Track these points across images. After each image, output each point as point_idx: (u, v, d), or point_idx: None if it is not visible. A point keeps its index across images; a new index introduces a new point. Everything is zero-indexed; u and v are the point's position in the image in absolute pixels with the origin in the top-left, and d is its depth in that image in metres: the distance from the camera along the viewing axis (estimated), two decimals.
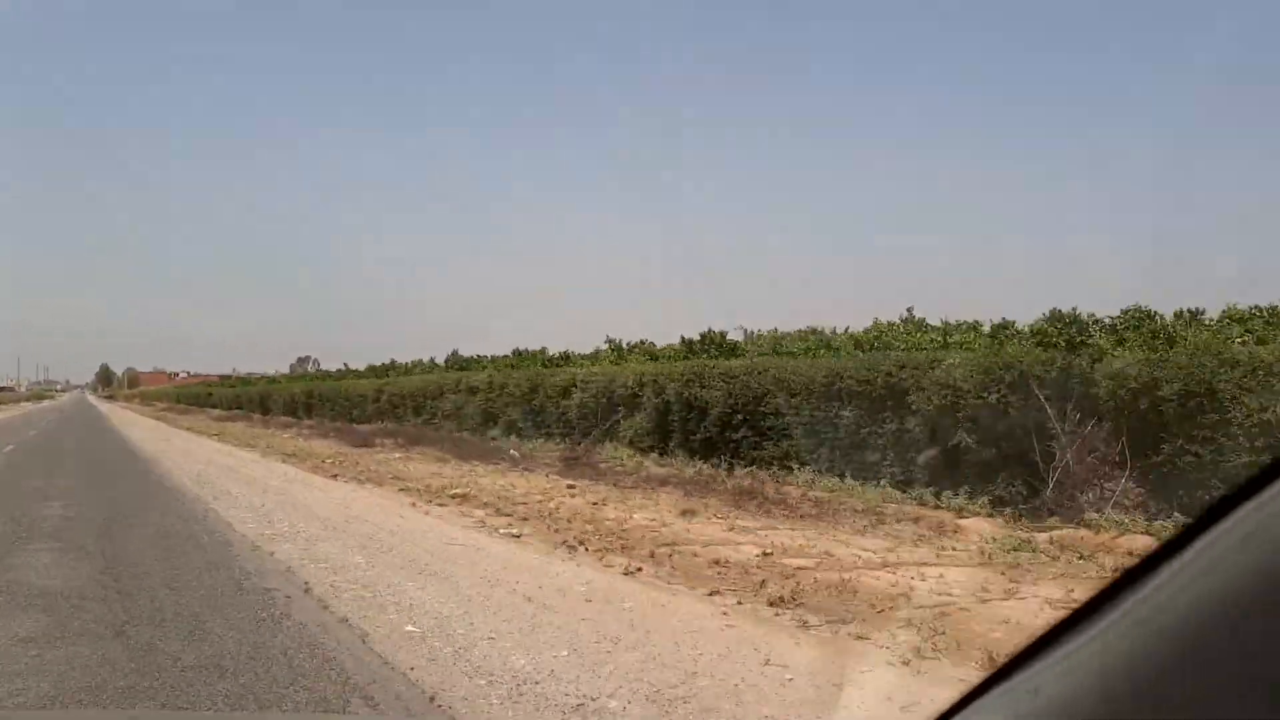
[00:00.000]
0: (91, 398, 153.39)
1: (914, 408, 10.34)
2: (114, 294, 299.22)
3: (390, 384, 28.62)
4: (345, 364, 57.68)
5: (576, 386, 17.76)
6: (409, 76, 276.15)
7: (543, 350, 42.40)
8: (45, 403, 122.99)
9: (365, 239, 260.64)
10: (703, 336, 24.77)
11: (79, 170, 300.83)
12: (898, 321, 21.47)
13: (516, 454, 17.41)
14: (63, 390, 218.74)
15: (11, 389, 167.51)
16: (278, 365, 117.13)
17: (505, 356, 41.80)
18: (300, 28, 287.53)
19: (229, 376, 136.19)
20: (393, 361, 48.40)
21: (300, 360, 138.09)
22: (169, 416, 50.64)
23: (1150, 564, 0.80)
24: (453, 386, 24.04)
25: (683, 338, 26.41)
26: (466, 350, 42.85)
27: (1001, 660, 0.98)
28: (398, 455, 19.37)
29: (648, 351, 27.10)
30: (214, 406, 60.26)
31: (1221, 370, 7.88)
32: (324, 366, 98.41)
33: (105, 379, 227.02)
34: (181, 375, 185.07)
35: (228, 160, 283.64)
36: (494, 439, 20.71)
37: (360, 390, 31.25)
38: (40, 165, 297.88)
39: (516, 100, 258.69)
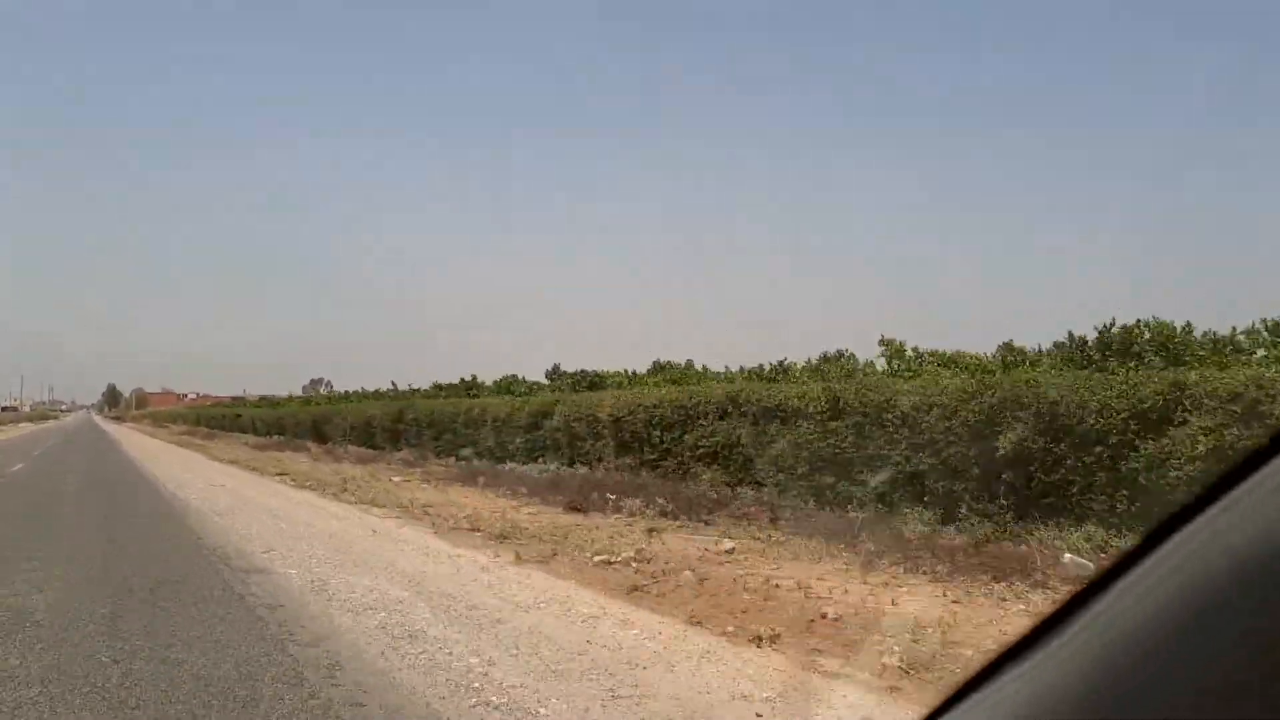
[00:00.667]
0: (98, 418, 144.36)
1: None
2: (120, 314, 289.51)
3: (568, 403, 18.66)
4: (401, 384, 47.70)
5: (1189, 407, 7.87)
6: (409, 78, 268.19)
7: (689, 364, 33.05)
8: (49, 423, 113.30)
9: (374, 261, 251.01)
10: (1118, 337, 15.10)
11: (81, 185, 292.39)
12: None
13: (1087, 565, 7.49)
14: (68, 410, 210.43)
15: (15, 408, 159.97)
16: (289, 387, 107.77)
17: (639, 373, 32.41)
18: (311, 43, 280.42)
19: (240, 398, 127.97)
20: (474, 377, 38.83)
21: (314, 382, 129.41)
22: (194, 442, 40.76)
23: (1116, 572, 0.79)
24: (720, 408, 14.16)
25: (1072, 334, 16.66)
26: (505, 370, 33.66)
27: (974, 670, 0.95)
28: (714, 542, 9.47)
29: (948, 361, 17.59)
30: (242, 430, 50.41)
31: None
32: (336, 388, 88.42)
33: (112, 399, 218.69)
34: (191, 396, 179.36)
35: (231, 174, 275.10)
36: (852, 502, 10.84)
37: (496, 411, 21.29)
38: (43, 176, 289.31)
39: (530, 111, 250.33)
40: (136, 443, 43.41)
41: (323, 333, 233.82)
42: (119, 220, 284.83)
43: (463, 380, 38.77)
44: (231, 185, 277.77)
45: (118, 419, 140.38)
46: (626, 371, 33.00)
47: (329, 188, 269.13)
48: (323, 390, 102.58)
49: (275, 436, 39.64)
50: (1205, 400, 7.97)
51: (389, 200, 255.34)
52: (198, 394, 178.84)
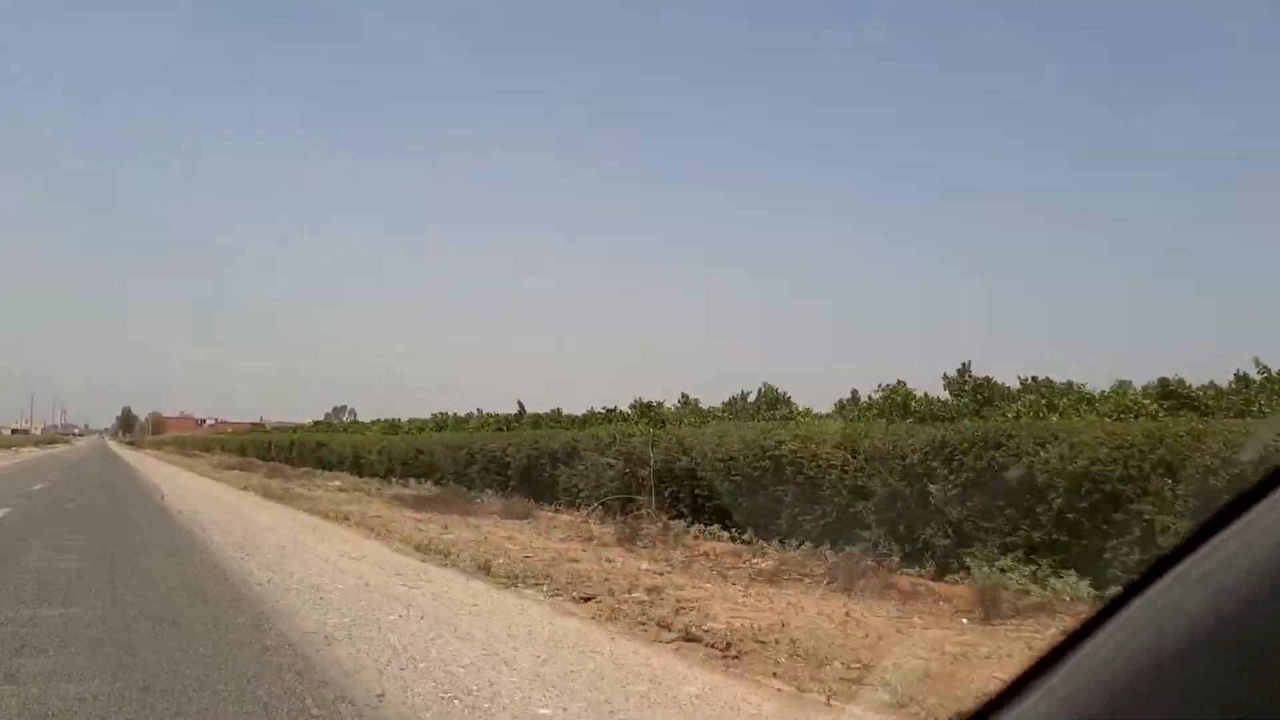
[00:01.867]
0: (112, 443, 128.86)
1: None
2: (133, 337, 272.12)
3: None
4: (450, 410, 31.42)
5: None
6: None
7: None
8: (57, 448, 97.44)
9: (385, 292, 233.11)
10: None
11: (91, 207, 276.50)
12: None
13: None
14: (81, 434, 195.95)
15: (25, 431, 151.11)
16: (305, 416, 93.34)
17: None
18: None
19: (260, 424, 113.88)
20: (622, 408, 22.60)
21: (336, 410, 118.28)
22: (280, 489, 24.02)
23: (1150, 577, 0.78)
24: None
25: None
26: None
27: (1019, 672, 0.95)
28: None
29: None
30: (324, 465, 33.85)
31: None
32: (359, 418, 70.82)
33: (127, 424, 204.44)
34: (210, 421, 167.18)
35: (241, 196, 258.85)
36: None
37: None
38: (60, 203, 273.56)
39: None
40: (183, 487, 26.74)
41: (339, 361, 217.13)
42: (133, 243, 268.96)
43: (606, 410, 22.15)
44: (241, 208, 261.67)
45: (133, 444, 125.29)
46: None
47: (351, 207, 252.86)
48: (345, 419, 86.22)
49: (414, 481, 23.13)
50: None
51: (414, 223, 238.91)
52: (216, 419, 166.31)
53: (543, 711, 4.73)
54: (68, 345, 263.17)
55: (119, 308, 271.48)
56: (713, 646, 6.53)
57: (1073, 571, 8.29)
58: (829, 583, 9.31)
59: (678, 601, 8.38)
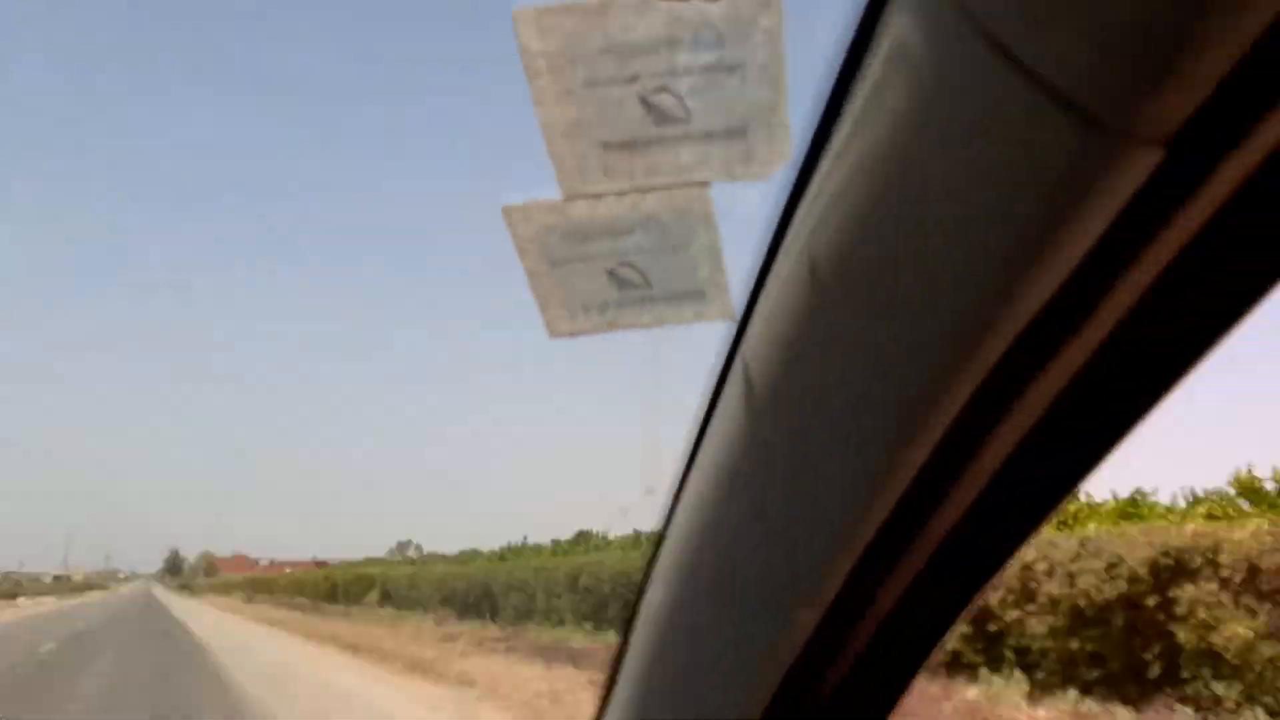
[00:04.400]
0: (158, 590, 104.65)
1: None
2: (174, 476, 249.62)
3: None
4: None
5: None
6: None
7: None
8: (91, 596, 73.29)
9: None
10: None
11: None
12: None
13: None
14: (125, 579, 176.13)
15: (67, 578, 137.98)
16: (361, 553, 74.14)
17: None
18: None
19: (324, 562, 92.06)
20: None
21: (400, 545, 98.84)
22: None
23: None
24: None
25: None
26: None
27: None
28: None
29: None
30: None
31: None
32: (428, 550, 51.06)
33: (173, 566, 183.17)
34: (264, 562, 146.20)
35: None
36: None
37: None
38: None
39: None
40: None
41: (399, 492, 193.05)
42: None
43: None
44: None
45: (184, 588, 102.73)
46: None
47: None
48: (411, 554, 67.82)
49: None
50: None
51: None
52: (271, 560, 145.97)
53: None
54: (109, 490, 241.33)
55: (162, 448, 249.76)
56: None
57: None
58: None
59: None
